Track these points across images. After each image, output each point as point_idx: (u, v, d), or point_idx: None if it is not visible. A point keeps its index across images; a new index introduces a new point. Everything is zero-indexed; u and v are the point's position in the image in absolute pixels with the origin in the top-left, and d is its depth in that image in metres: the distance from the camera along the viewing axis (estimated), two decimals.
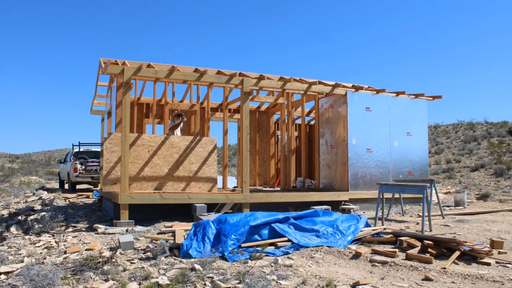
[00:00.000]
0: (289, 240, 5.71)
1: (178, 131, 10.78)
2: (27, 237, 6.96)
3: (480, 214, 9.04)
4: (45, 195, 12.73)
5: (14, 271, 4.81)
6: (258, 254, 5.14)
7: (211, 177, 9.74)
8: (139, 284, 4.21)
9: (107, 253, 5.20)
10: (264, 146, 14.15)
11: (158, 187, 9.32)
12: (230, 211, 8.54)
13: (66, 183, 16.68)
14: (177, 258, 5.16)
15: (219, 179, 12.26)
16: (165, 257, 5.15)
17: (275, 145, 14.29)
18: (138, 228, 7.04)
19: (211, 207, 8.20)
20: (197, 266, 4.60)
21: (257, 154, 14.01)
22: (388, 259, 4.99)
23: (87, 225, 7.66)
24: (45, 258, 5.39)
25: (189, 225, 6.83)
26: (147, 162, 9.31)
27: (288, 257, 5.23)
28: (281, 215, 6.16)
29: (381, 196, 7.88)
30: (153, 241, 5.89)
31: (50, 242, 6.35)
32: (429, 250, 5.20)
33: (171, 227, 6.96)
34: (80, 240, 6.38)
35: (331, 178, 10.47)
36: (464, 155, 20.66)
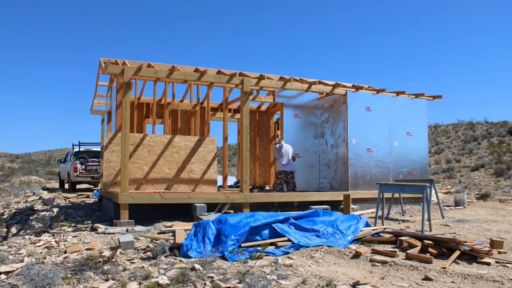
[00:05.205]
0: (289, 240, 5.71)
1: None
2: (27, 236, 6.96)
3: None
4: (45, 194, 12.74)
5: (14, 270, 4.81)
6: (258, 254, 5.14)
7: (211, 177, 9.74)
8: (139, 283, 4.21)
9: (107, 253, 5.20)
10: (264, 146, 14.14)
11: (159, 187, 9.32)
12: (231, 211, 8.55)
13: (66, 182, 16.69)
14: (177, 258, 5.16)
15: (219, 178, 12.27)
16: (165, 256, 5.15)
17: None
18: (138, 228, 7.04)
19: (211, 207, 8.20)
20: (197, 266, 4.60)
21: (257, 155, 14.00)
22: (388, 259, 4.99)
23: (87, 225, 7.66)
24: (45, 258, 5.39)
25: (189, 225, 6.83)
26: (147, 162, 9.31)
27: (288, 257, 5.24)
28: (281, 216, 6.16)
29: (381, 196, 7.88)
30: (153, 241, 5.89)
31: (50, 241, 6.36)
32: (429, 250, 5.20)
33: (171, 227, 6.96)
34: (80, 239, 6.39)
35: (331, 177, 10.47)
36: (464, 155, 20.66)
